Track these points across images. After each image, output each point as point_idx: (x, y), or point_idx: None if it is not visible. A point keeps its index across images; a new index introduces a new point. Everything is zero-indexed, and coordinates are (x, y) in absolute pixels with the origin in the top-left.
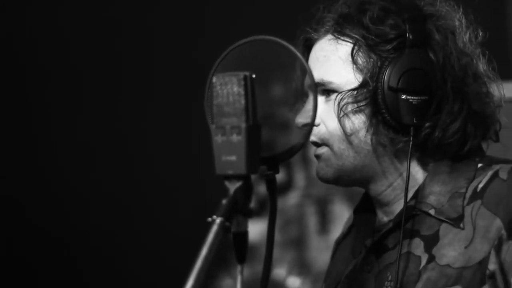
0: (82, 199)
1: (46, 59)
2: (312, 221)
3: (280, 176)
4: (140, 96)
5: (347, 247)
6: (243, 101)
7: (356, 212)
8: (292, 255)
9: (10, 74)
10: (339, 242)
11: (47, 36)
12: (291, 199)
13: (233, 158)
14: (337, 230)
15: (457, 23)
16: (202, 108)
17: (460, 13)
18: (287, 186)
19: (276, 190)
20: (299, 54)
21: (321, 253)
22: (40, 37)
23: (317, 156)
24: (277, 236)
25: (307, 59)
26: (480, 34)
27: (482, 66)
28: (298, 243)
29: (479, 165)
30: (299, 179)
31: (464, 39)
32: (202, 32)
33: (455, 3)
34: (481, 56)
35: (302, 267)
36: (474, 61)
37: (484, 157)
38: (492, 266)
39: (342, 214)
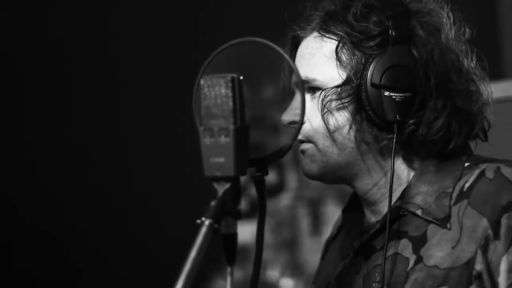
0: (78, 199)
1: (42, 59)
2: (304, 222)
3: (272, 178)
4: (137, 96)
5: (336, 248)
6: (231, 103)
7: (345, 212)
8: (285, 257)
9: (6, 76)
10: (329, 243)
11: (43, 37)
12: (283, 201)
13: (222, 159)
14: (329, 231)
15: (443, 20)
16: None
17: (447, 10)
18: (279, 187)
19: (265, 192)
20: (285, 54)
21: (313, 254)
22: (36, 37)
23: (302, 152)
24: (270, 238)
25: (295, 57)
26: (468, 31)
27: (468, 63)
28: (291, 245)
29: (466, 164)
30: (291, 180)
31: (450, 36)
32: (194, 31)
33: (443, 0)
34: (469, 53)
35: (294, 269)
36: (460, 58)
37: (471, 156)
38: (478, 266)
39: (334, 216)
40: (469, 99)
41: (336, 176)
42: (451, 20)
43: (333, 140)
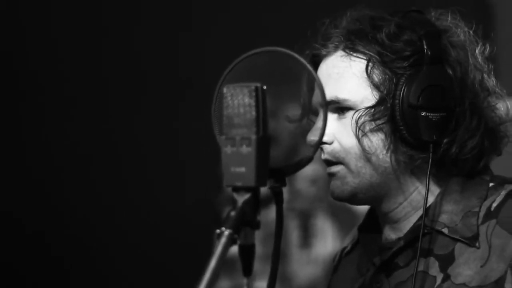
0: (72, 200)
1: (36, 62)
2: (294, 234)
3: (263, 189)
4: (130, 99)
5: (353, 265)
6: (254, 113)
7: (361, 229)
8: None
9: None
10: (341, 258)
11: (38, 42)
12: (273, 212)
13: (242, 169)
14: (319, 244)
15: (463, 37)
16: (190, 111)
17: (464, 27)
18: (270, 199)
19: (282, 203)
20: (311, 69)
21: (302, 266)
22: (31, 42)
23: (332, 174)
24: (259, 249)
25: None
26: (488, 48)
27: (492, 80)
28: (280, 256)
29: (491, 184)
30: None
31: (475, 54)
32: (202, 45)
33: (458, 17)
34: (491, 70)
35: (283, 281)
36: (486, 76)
37: (493, 176)
38: (509, 285)
39: (324, 229)
40: (496, 117)
41: (367, 196)
42: (472, 37)
43: (367, 160)
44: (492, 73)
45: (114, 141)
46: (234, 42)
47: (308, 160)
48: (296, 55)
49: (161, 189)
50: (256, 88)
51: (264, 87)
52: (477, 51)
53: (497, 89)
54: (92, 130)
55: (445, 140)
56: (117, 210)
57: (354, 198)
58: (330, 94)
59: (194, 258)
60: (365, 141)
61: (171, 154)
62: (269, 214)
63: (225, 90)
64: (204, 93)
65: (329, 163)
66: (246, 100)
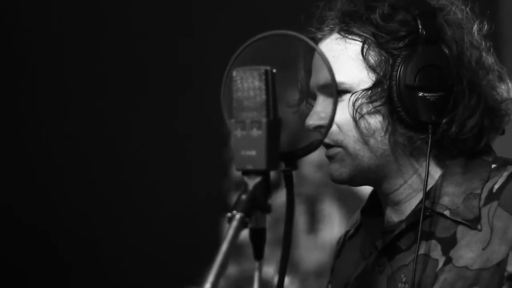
0: (72, 199)
1: (38, 59)
2: (301, 220)
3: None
4: (131, 95)
5: (356, 248)
6: (264, 96)
7: (363, 212)
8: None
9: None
10: (344, 241)
11: (39, 37)
12: (280, 198)
13: (253, 153)
14: (326, 229)
15: (464, 15)
16: (190, 107)
17: (462, 5)
18: (277, 184)
19: (293, 187)
20: (321, 51)
21: (309, 252)
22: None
23: (330, 157)
24: (267, 234)
25: (312, 59)
26: (486, 26)
27: (490, 59)
28: (291, 240)
29: (493, 165)
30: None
31: (472, 32)
32: (190, 34)
33: None
34: (491, 48)
35: (290, 266)
36: (484, 54)
37: (496, 157)
38: (510, 267)
39: (331, 214)
40: (497, 95)
41: (366, 178)
42: (469, 15)
43: (365, 143)
44: (491, 51)
45: (114, 138)
46: (233, 30)
47: (319, 143)
48: (305, 38)
49: (163, 187)
50: (266, 71)
51: (274, 70)
52: (474, 28)
53: (496, 67)
54: (93, 128)
55: (444, 120)
56: (117, 207)
57: (353, 180)
58: (326, 77)
59: (196, 258)
60: (363, 123)
61: (174, 152)
62: (276, 199)
63: (234, 73)
64: (204, 89)
65: (327, 146)
66: (256, 83)
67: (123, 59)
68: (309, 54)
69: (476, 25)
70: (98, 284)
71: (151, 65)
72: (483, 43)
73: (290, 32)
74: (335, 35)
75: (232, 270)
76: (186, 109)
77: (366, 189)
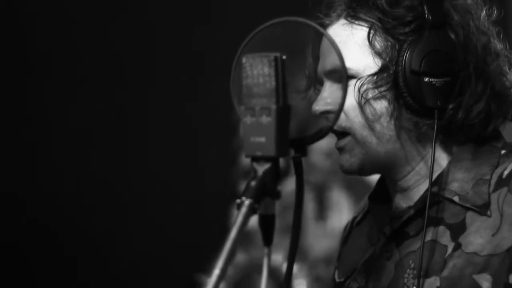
0: (77, 195)
1: (47, 41)
2: (309, 207)
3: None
4: (139, 89)
5: (363, 234)
6: (273, 82)
7: (371, 198)
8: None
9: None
10: (352, 228)
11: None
12: (288, 185)
13: (262, 139)
14: (334, 217)
15: (468, 0)
16: (199, 103)
17: None
18: (285, 172)
19: (302, 173)
20: (332, 38)
21: (317, 239)
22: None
23: (340, 149)
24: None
25: (319, 45)
26: (495, 11)
27: (499, 44)
28: (301, 227)
29: (502, 151)
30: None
31: (480, 18)
32: (205, 21)
33: None
34: (500, 34)
35: (298, 253)
36: (492, 40)
37: (505, 143)
38: None
39: (339, 201)
40: (505, 81)
41: (375, 166)
42: (478, 1)
43: (372, 129)
44: (500, 36)
45: (120, 133)
46: (238, 19)
47: (328, 130)
48: (315, 24)
49: (172, 182)
50: (276, 58)
51: (284, 57)
52: (483, 14)
53: (505, 52)
54: (99, 122)
55: (450, 106)
56: (124, 203)
57: (363, 169)
58: (333, 63)
59: (198, 257)
60: (368, 108)
61: (180, 149)
62: (285, 187)
63: (244, 60)
64: (213, 87)
65: (336, 133)
66: (266, 70)
67: (132, 55)
68: (317, 40)
69: (484, 11)
70: (104, 281)
71: (160, 62)
72: (492, 28)
73: (299, 19)
74: (342, 21)
75: (240, 258)
76: (195, 105)
77: (374, 177)
